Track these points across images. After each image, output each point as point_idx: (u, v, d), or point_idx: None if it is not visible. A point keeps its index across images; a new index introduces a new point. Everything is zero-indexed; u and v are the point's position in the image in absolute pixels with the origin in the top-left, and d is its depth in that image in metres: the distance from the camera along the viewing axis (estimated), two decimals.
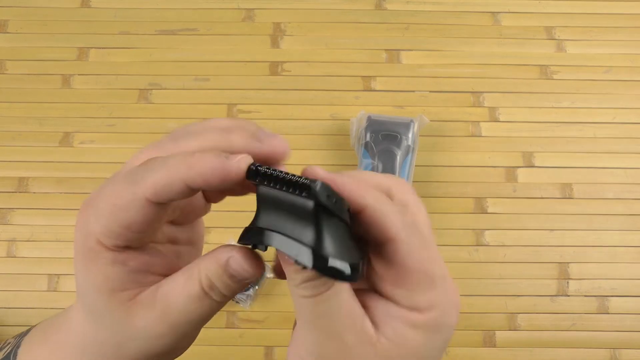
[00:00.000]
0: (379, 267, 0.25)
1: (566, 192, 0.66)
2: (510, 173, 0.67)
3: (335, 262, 0.22)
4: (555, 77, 0.71)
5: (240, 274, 0.25)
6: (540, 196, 0.66)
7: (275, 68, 0.71)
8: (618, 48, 0.73)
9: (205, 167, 0.24)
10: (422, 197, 0.70)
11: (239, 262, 0.25)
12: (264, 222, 0.24)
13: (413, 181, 0.63)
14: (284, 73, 0.71)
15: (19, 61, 0.72)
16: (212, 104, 0.69)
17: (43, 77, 0.71)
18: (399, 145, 0.62)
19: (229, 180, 0.24)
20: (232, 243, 0.26)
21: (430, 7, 0.75)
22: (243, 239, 0.25)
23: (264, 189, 0.24)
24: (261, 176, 0.24)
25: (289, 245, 0.23)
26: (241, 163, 0.24)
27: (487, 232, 0.65)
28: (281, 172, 0.24)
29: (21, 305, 0.63)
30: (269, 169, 0.24)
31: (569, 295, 0.62)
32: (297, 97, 0.70)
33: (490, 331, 0.61)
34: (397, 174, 0.61)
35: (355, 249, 0.24)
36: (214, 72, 0.71)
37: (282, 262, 0.25)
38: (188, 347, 0.30)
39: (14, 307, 0.62)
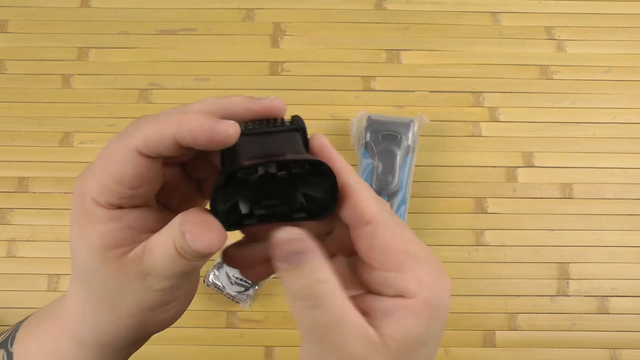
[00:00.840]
0: (363, 251, 0.26)
1: (566, 192, 0.66)
2: (510, 173, 0.67)
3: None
4: (555, 77, 0.71)
5: (191, 243, 0.24)
6: (540, 196, 0.66)
7: (275, 68, 0.71)
8: (618, 48, 0.73)
9: (195, 125, 0.24)
10: (422, 197, 0.70)
11: (191, 234, 0.24)
12: (247, 155, 0.25)
13: (413, 181, 0.63)
14: (284, 73, 0.71)
15: (19, 61, 0.71)
16: None
17: (43, 77, 0.71)
18: (399, 145, 0.62)
19: (216, 142, 0.25)
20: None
21: (430, 7, 0.75)
22: (227, 168, 0.25)
23: (248, 132, 0.26)
24: (249, 124, 0.26)
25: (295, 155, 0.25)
26: (229, 126, 0.25)
27: (487, 232, 0.65)
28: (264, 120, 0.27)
29: (21, 305, 0.63)
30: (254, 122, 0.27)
31: (569, 295, 0.62)
32: (297, 97, 0.70)
33: (490, 331, 0.61)
34: (397, 174, 0.61)
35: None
36: (214, 72, 0.71)
37: (280, 267, 0.25)
38: (189, 299, 0.30)
39: (14, 307, 0.62)
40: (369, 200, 0.26)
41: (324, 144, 0.28)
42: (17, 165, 0.67)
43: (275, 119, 0.27)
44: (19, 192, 0.66)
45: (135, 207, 0.26)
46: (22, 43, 0.72)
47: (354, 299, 0.26)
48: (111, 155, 0.25)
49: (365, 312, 0.25)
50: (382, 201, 0.27)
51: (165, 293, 0.27)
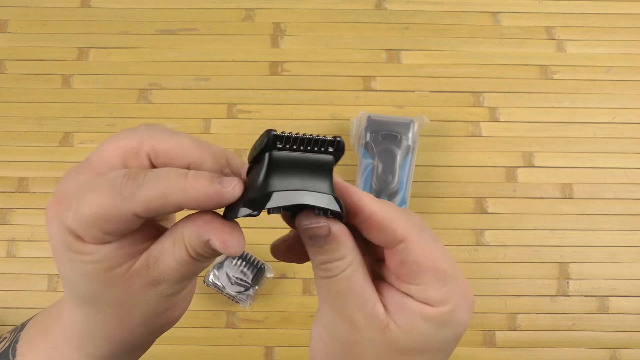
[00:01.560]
0: (393, 267, 0.27)
1: (566, 192, 0.66)
2: (510, 173, 0.67)
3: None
4: (555, 77, 0.71)
5: (224, 250, 0.25)
6: (540, 196, 0.66)
7: (275, 68, 0.71)
8: (618, 48, 0.73)
9: (201, 193, 0.24)
10: (422, 197, 0.70)
11: (220, 241, 0.25)
12: (277, 186, 0.25)
13: (413, 181, 0.63)
14: (284, 73, 0.71)
15: (19, 61, 0.72)
16: (212, 104, 0.69)
17: (43, 77, 0.71)
18: (399, 145, 0.62)
19: (223, 204, 0.25)
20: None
21: (430, 7, 0.75)
22: (258, 204, 0.25)
23: (279, 153, 0.25)
24: (281, 140, 0.25)
25: (318, 199, 0.25)
26: (236, 190, 0.25)
27: (487, 232, 0.65)
28: (298, 134, 0.26)
29: (21, 305, 0.63)
30: (290, 133, 0.25)
31: (569, 295, 0.62)
32: (297, 97, 0.70)
33: (490, 331, 0.61)
34: (397, 174, 0.61)
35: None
36: (214, 72, 0.71)
37: (306, 243, 0.26)
38: (193, 292, 0.31)
39: (14, 307, 0.62)
40: (397, 221, 0.26)
41: (342, 183, 0.27)
42: (17, 165, 0.67)
43: (317, 137, 0.26)
44: (19, 192, 0.66)
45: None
46: (22, 43, 0.72)
47: (374, 281, 0.27)
48: (104, 212, 0.24)
49: (381, 294, 0.27)
50: (410, 214, 0.27)
51: (175, 295, 0.28)
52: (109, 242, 0.26)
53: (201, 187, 0.24)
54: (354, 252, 0.26)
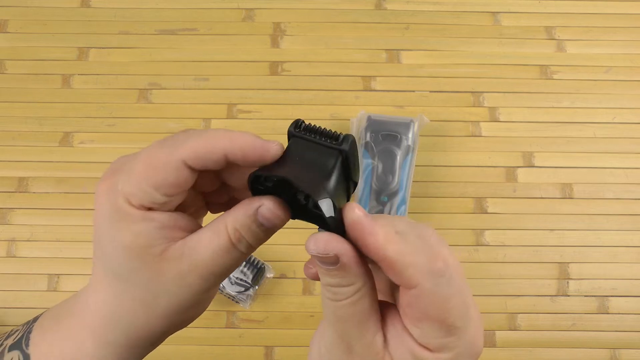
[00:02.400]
0: (402, 302, 0.26)
1: (566, 192, 0.66)
2: (510, 173, 0.67)
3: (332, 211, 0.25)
4: (555, 77, 0.71)
5: (271, 220, 0.26)
6: (540, 196, 0.66)
7: (275, 68, 0.71)
8: (618, 48, 0.73)
9: (247, 142, 0.26)
10: (422, 197, 0.70)
11: (269, 208, 0.26)
12: (289, 173, 0.26)
13: (413, 181, 0.63)
14: (284, 73, 0.71)
15: (19, 61, 0.72)
16: (212, 104, 0.69)
17: (43, 77, 0.71)
18: (399, 145, 0.62)
19: (264, 159, 0.26)
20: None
21: (430, 7, 0.75)
22: (266, 170, 0.26)
23: (298, 140, 0.27)
24: (302, 129, 0.27)
25: (311, 187, 0.25)
26: (278, 147, 0.26)
27: (487, 232, 0.64)
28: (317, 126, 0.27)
29: (21, 305, 0.63)
30: (309, 124, 0.27)
31: (569, 295, 0.62)
32: (297, 97, 0.70)
33: (490, 331, 0.61)
34: (397, 174, 0.61)
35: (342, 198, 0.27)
36: (214, 72, 0.71)
37: (317, 263, 0.26)
38: (212, 298, 0.31)
39: (14, 307, 0.62)
40: (412, 267, 0.24)
41: (356, 221, 0.25)
42: (17, 165, 0.67)
43: (329, 131, 0.27)
44: (19, 192, 0.66)
45: (164, 211, 0.27)
46: (22, 43, 0.72)
47: (386, 303, 0.27)
48: (155, 162, 0.26)
49: (386, 321, 0.27)
50: (434, 254, 0.25)
51: (201, 293, 0.28)
52: (156, 210, 0.26)
53: (247, 137, 0.26)
54: (362, 280, 0.25)
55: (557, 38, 0.73)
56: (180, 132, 0.27)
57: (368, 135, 0.62)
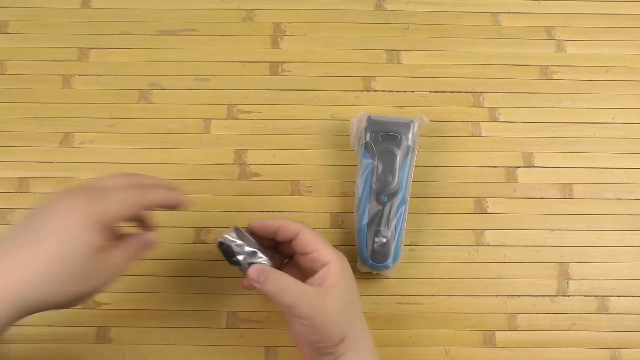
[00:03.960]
0: (298, 248, 0.50)
1: (566, 192, 0.66)
2: (510, 173, 0.67)
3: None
4: (555, 77, 0.71)
5: (148, 247, 0.48)
6: (540, 196, 0.66)
7: (275, 68, 0.71)
8: (618, 48, 0.73)
9: (164, 197, 0.48)
10: (422, 197, 0.70)
11: (150, 240, 0.48)
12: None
13: (413, 181, 0.63)
14: (284, 73, 0.71)
15: (20, 62, 0.72)
16: (212, 104, 0.70)
17: (43, 78, 0.71)
18: (399, 145, 0.62)
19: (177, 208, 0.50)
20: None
21: (430, 7, 0.75)
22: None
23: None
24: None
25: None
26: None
27: (487, 232, 0.65)
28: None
29: None
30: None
31: (569, 295, 0.62)
32: (297, 97, 0.70)
33: (490, 331, 0.61)
34: (397, 174, 0.61)
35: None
36: (214, 72, 0.71)
37: (255, 285, 0.48)
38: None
39: None
40: (309, 231, 0.51)
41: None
42: (18, 166, 0.67)
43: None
44: (20, 192, 0.66)
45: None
46: (22, 44, 0.73)
47: (306, 282, 0.48)
48: (127, 203, 0.44)
49: (314, 284, 0.48)
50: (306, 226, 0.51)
51: (105, 287, 0.43)
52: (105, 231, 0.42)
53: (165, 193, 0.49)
54: (283, 277, 0.47)
55: (557, 38, 0.73)
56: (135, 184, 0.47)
57: (368, 135, 0.62)
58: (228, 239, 0.49)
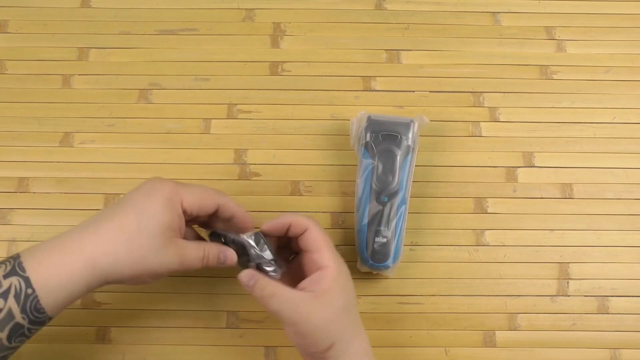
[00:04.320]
0: (303, 245, 0.51)
1: (566, 192, 0.66)
2: (510, 173, 0.67)
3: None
4: (555, 77, 0.71)
5: (225, 262, 0.51)
6: (540, 196, 0.66)
7: (275, 68, 0.71)
8: (618, 48, 0.73)
9: (234, 209, 0.53)
10: (422, 197, 0.70)
11: (229, 256, 0.51)
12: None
13: (413, 181, 0.63)
14: (284, 73, 0.71)
15: (19, 61, 0.72)
16: (212, 104, 0.70)
17: (43, 77, 0.71)
18: (399, 145, 0.62)
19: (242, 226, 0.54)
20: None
21: (430, 7, 0.75)
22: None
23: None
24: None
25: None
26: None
27: (487, 232, 0.65)
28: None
29: None
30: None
31: (569, 295, 0.62)
32: (297, 97, 0.70)
33: (490, 331, 0.61)
34: (397, 174, 0.61)
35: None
36: (214, 72, 0.71)
37: (247, 289, 0.50)
38: (152, 281, 0.50)
39: None
40: (319, 229, 0.51)
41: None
42: (18, 166, 0.67)
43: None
44: (19, 192, 0.66)
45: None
46: (22, 43, 0.73)
47: (298, 287, 0.49)
48: (205, 194, 0.50)
49: (306, 287, 0.48)
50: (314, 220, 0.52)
51: (167, 272, 0.48)
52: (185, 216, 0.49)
53: (232, 205, 0.53)
54: (274, 285, 0.48)
55: (557, 38, 0.73)
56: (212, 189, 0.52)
57: (368, 135, 0.62)
58: (249, 243, 0.50)
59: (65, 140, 0.68)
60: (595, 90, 0.71)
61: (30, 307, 0.42)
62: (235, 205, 0.51)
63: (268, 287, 0.48)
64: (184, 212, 0.48)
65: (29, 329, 0.43)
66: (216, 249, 0.50)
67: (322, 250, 0.49)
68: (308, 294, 0.47)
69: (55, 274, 0.43)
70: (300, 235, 0.50)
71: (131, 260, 0.44)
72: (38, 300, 0.42)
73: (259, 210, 0.65)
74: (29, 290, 0.42)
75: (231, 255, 0.50)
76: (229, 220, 0.52)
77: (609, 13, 0.74)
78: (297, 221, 0.50)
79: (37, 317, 0.43)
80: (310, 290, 0.48)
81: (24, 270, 0.43)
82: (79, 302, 0.61)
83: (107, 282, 0.46)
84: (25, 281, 0.42)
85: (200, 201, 0.48)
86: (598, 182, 0.67)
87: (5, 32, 0.73)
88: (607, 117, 0.69)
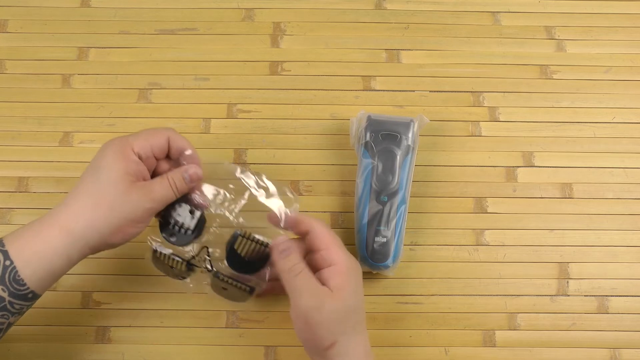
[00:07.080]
0: (312, 243, 0.50)
1: (566, 192, 0.66)
2: (510, 173, 0.67)
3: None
4: (555, 77, 0.71)
5: (192, 178, 0.51)
6: (540, 196, 0.66)
7: (275, 68, 0.71)
8: (618, 48, 0.73)
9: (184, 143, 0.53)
10: (422, 197, 0.70)
11: (195, 171, 0.52)
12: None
13: (413, 181, 0.63)
14: (284, 73, 0.71)
15: (19, 61, 0.72)
16: (212, 104, 0.69)
17: (43, 77, 0.71)
18: (399, 145, 0.62)
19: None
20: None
21: (430, 7, 0.75)
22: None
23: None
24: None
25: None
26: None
27: (487, 232, 0.65)
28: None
29: None
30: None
31: (568, 295, 0.62)
32: (297, 96, 0.70)
33: (490, 331, 0.61)
34: (397, 173, 0.61)
35: None
36: (214, 72, 0.71)
37: (275, 256, 0.50)
38: (139, 230, 0.50)
39: None
40: (323, 228, 0.51)
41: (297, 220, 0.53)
42: (17, 165, 0.67)
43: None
44: (19, 192, 0.66)
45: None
46: (22, 43, 0.73)
47: (314, 275, 0.49)
48: (153, 134, 0.51)
49: (320, 280, 0.48)
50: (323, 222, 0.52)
51: (145, 213, 0.49)
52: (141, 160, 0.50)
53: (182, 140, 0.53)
54: (304, 263, 0.49)
55: (557, 38, 0.73)
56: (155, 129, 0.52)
57: (368, 135, 0.62)
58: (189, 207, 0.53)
59: (65, 139, 0.68)
60: (595, 90, 0.71)
61: (9, 278, 0.44)
62: (184, 139, 0.53)
63: (300, 264, 0.48)
64: (140, 157, 0.49)
65: (10, 303, 0.44)
66: (178, 172, 0.51)
67: (330, 247, 0.49)
68: (325, 287, 0.47)
69: (32, 243, 0.45)
70: (306, 235, 0.51)
71: (102, 215, 0.46)
72: (17, 272, 0.44)
73: (259, 210, 0.65)
74: (7, 262, 0.44)
75: (194, 170, 0.51)
76: (180, 161, 0.53)
77: (609, 13, 0.74)
78: (301, 219, 0.51)
79: (17, 289, 0.44)
80: (327, 284, 0.48)
81: (2, 245, 0.45)
82: (79, 302, 0.61)
83: (94, 249, 0.47)
84: (3, 254, 0.44)
85: (149, 141, 0.50)
86: (598, 182, 0.67)
87: (5, 32, 0.73)
88: (607, 116, 0.69)
